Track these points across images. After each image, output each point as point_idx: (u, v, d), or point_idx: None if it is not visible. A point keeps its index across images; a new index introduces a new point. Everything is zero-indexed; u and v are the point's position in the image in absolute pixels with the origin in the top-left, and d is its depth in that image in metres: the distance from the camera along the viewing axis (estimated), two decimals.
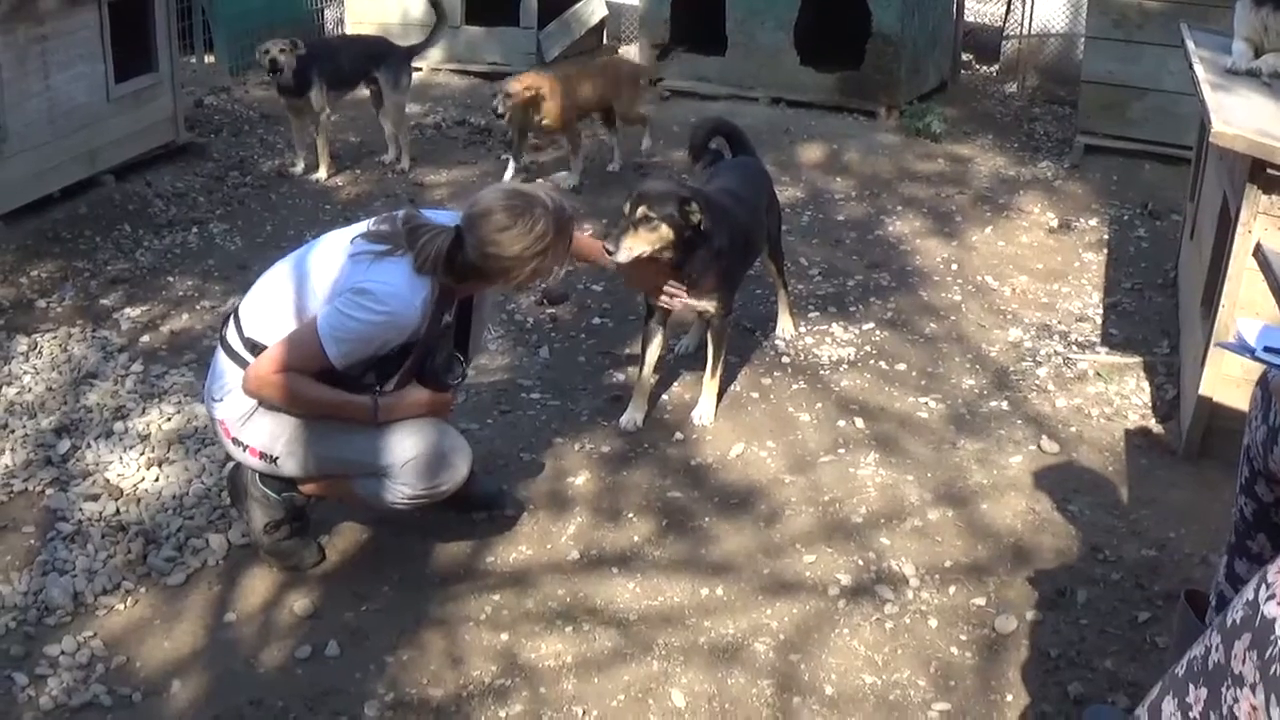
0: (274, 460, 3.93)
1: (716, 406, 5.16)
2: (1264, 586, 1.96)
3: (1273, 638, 1.89)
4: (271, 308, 3.86)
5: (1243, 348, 2.75)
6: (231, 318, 3.96)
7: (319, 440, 3.89)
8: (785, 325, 5.93)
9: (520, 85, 7.65)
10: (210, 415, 4.06)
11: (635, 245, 4.60)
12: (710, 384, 5.14)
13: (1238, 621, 1.97)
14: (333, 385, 3.79)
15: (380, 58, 8.26)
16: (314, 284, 3.81)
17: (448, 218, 3.96)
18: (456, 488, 4.00)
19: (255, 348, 3.81)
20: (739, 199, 5.20)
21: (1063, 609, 4.02)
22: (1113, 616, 3.98)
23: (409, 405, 3.89)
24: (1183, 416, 5.05)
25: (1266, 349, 2.70)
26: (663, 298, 4.83)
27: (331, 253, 3.87)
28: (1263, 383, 2.93)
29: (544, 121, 7.85)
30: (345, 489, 4.04)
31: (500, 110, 7.64)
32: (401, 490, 3.88)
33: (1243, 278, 4.51)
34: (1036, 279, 6.74)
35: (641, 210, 4.60)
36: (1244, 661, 1.93)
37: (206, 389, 4.05)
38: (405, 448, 3.85)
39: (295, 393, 3.76)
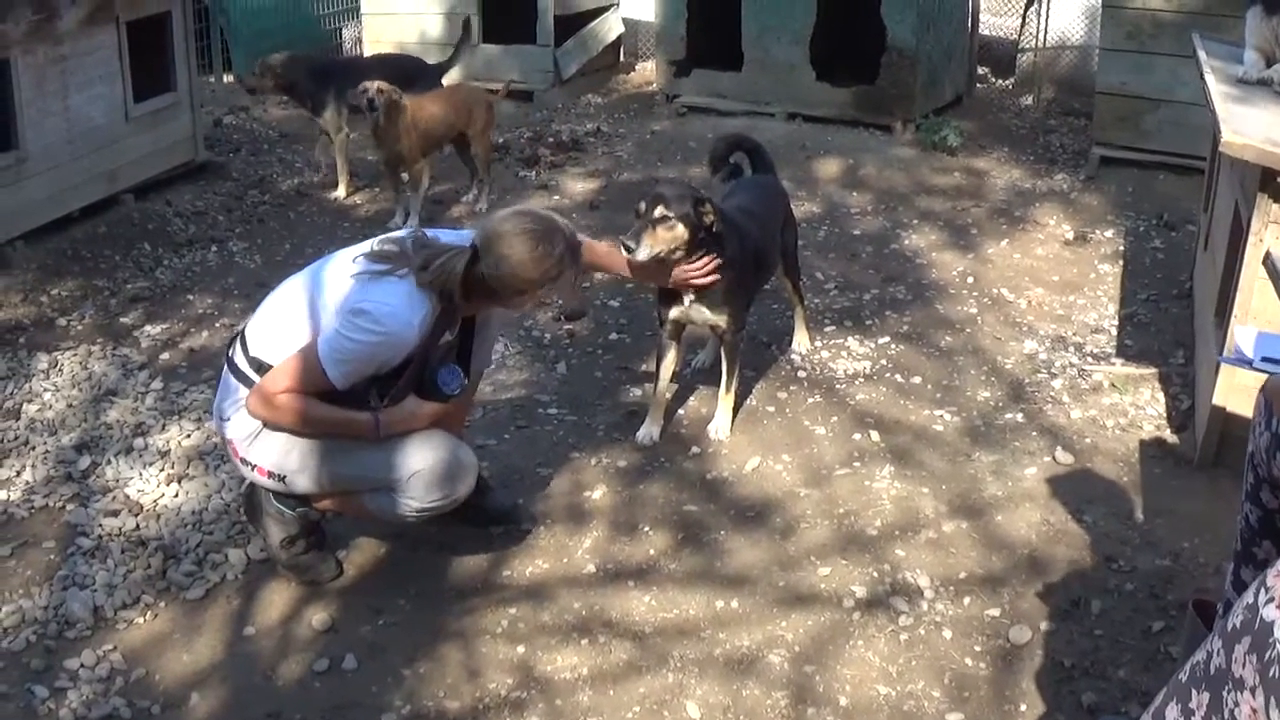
0: (283, 479, 3.95)
1: (732, 421, 5.18)
2: (1263, 590, 1.98)
3: (1271, 640, 1.90)
4: (276, 328, 3.89)
5: (1241, 360, 2.76)
6: (239, 338, 4.00)
7: (325, 457, 3.90)
8: (801, 340, 5.95)
9: (388, 85, 7.44)
10: (220, 434, 4.09)
11: (655, 244, 4.62)
12: (725, 399, 5.16)
13: (1238, 625, 1.99)
14: (336, 403, 3.81)
15: (413, 78, 8.25)
16: (317, 304, 3.84)
17: (454, 237, 3.99)
18: (464, 499, 4.01)
19: (261, 367, 3.84)
20: (753, 215, 5.22)
21: (1077, 619, 4.02)
22: (1127, 626, 3.98)
23: (411, 419, 3.90)
24: (1197, 427, 5.05)
25: (1265, 359, 2.72)
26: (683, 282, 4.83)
27: (334, 273, 3.90)
28: (1266, 390, 2.94)
29: (396, 143, 7.53)
30: (357, 504, 4.06)
31: (376, 105, 7.31)
32: (409, 504, 3.90)
33: (1255, 287, 4.52)
34: (1052, 291, 6.75)
35: (659, 210, 4.62)
36: (1244, 665, 1.94)
37: (216, 408, 4.08)
38: (411, 462, 3.86)
39: (298, 413, 3.78)
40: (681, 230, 4.65)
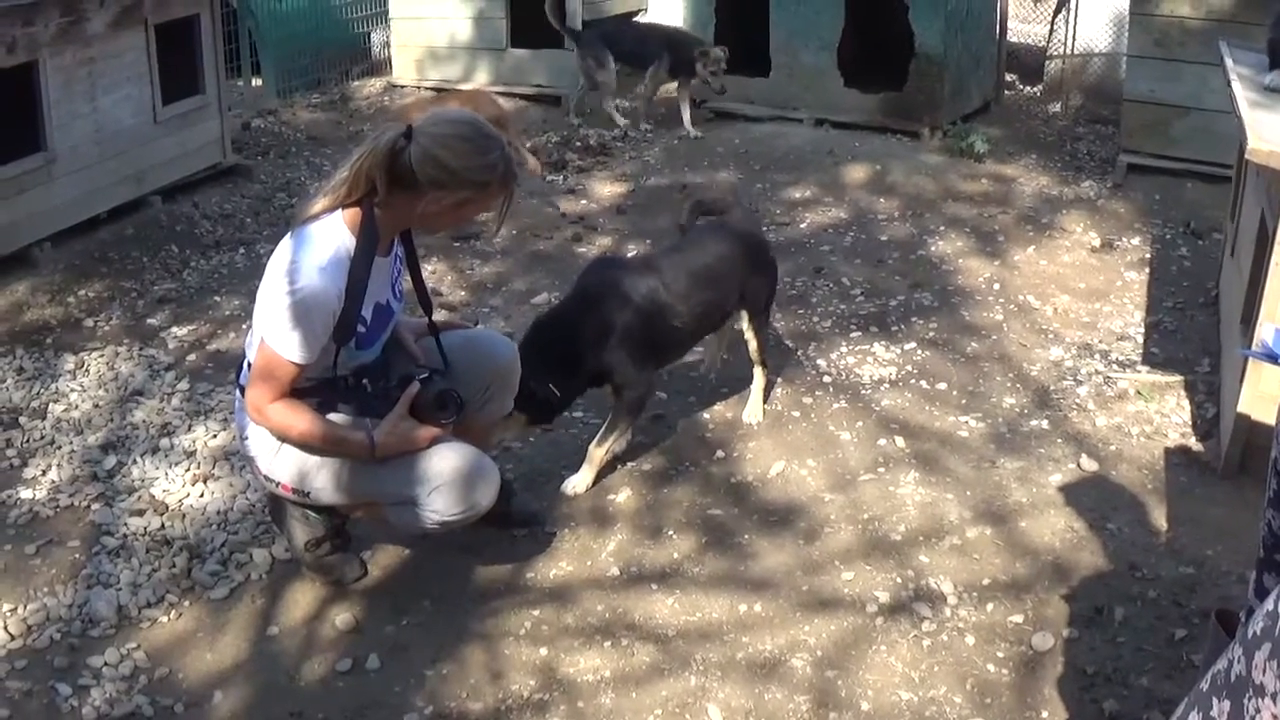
0: (307, 495, 3.88)
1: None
2: None
3: None
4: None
5: (1268, 354, 2.76)
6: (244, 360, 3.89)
7: (348, 471, 3.82)
8: (754, 409, 5.38)
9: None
10: (243, 453, 4.03)
11: (505, 434, 4.66)
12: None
13: (1258, 633, 1.98)
14: (329, 402, 3.77)
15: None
16: None
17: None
18: (486, 510, 3.90)
19: None
20: (662, 273, 4.89)
21: (1100, 627, 4.02)
22: (1150, 634, 3.97)
23: (406, 441, 3.77)
24: (1222, 434, 5.03)
25: None
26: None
27: None
28: None
29: None
30: (381, 515, 4.01)
31: None
32: (431, 516, 3.80)
33: None
34: (1078, 298, 6.73)
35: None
36: (1264, 671, 1.93)
37: (236, 426, 4.04)
38: (432, 475, 3.76)
39: (291, 428, 3.69)
40: (520, 416, 4.55)
